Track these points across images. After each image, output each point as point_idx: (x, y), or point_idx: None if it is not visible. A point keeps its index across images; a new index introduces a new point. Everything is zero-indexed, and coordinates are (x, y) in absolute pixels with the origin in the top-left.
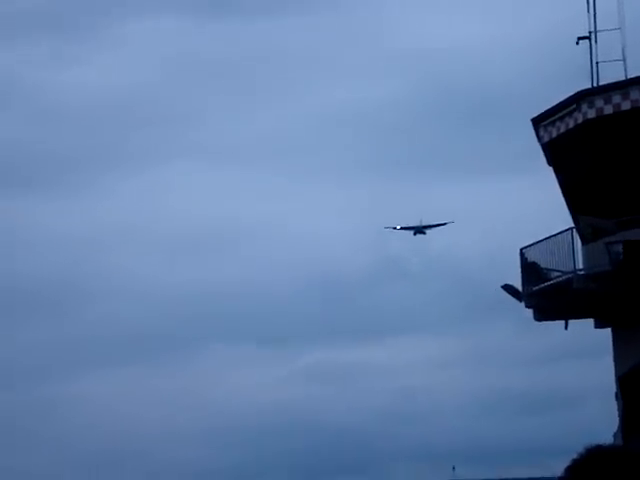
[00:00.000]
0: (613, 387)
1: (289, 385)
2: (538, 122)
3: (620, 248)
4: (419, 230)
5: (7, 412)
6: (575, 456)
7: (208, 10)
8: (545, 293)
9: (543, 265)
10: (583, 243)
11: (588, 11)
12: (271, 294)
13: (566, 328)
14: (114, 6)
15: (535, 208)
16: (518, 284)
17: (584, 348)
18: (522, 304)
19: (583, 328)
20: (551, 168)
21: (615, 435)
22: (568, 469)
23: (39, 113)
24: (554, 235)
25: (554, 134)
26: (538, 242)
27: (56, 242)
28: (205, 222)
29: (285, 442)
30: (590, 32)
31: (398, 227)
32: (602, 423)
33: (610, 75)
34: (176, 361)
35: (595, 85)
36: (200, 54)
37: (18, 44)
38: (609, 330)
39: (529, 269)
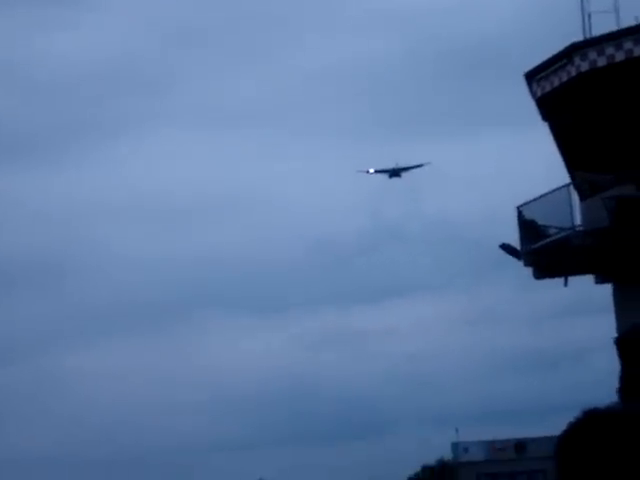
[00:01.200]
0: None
1: (291, 351)
2: (531, 77)
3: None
4: (394, 173)
5: (8, 386)
6: (572, 419)
7: None
8: (544, 251)
9: (541, 222)
10: (581, 199)
11: None
12: (268, 260)
13: (566, 285)
14: None
15: (531, 164)
16: (516, 243)
17: (585, 304)
18: (521, 262)
19: (583, 285)
20: (546, 123)
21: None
22: (565, 432)
23: (21, 82)
24: (551, 192)
25: (547, 88)
26: (535, 199)
27: (47, 215)
28: (194, 189)
29: (288, 409)
30: None
31: (372, 170)
32: (606, 379)
33: (602, 27)
34: (177, 331)
35: (587, 37)
36: (184, 17)
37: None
38: (610, 286)
39: (527, 227)
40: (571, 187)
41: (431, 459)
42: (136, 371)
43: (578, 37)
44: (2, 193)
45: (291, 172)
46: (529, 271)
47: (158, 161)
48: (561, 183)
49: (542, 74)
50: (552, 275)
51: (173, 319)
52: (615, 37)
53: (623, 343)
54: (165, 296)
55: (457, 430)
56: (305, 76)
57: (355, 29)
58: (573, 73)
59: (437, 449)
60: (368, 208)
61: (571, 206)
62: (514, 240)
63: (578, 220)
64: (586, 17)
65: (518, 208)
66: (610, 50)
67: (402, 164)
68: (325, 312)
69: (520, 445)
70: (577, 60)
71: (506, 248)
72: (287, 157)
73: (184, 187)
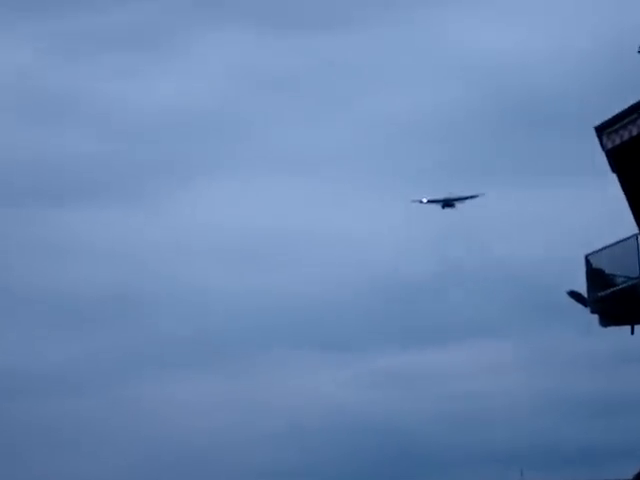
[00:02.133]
0: None
1: (353, 390)
2: (601, 130)
3: None
4: (448, 203)
5: (78, 417)
6: None
7: (273, 23)
8: (611, 299)
9: (608, 271)
10: None
11: None
12: (333, 300)
13: (632, 333)
14: (180, 19)
15: (600, 214)
16: (583, 290)
17: None
18: (588, 310)
19: None
20: (615, 175)
21: None
22: (638, 476)
23: (109, 126)
24: (619, 241)
25: (617, 142)
26: (603, 248)
27: (126, 253)
28: (267, 230)
29: (349, 447)
30: None
31: (425, 200)
32: None
33: None
34: (241, 367)
35: None
36: (265, 67)
37: (87, 59)
38: None
39: (594, 275)
40: (639, 237)
41: None
42: (204, 405)
43: None
44: (86, 231)
45: (359, 214)
46: (595, 318)
47: (234, 203)
48: (629, 233)
49: (612, 128)
50: (618, 323)
51: (241, 354)
52: None
53: None
54: (234, 332)
55: (522, 472)
56: (377, 123)
57: (429, 80)
58: None
59: None
60: (434, 249)
61: (639, 256)
62: (580, 287)
63: None
64: None
65: (586, 257)
66: None
67: (455, 195)
68: (388, 351)
69: None
70: None
71: (574, 295)
72: (356, 199)
73: (257, 228)
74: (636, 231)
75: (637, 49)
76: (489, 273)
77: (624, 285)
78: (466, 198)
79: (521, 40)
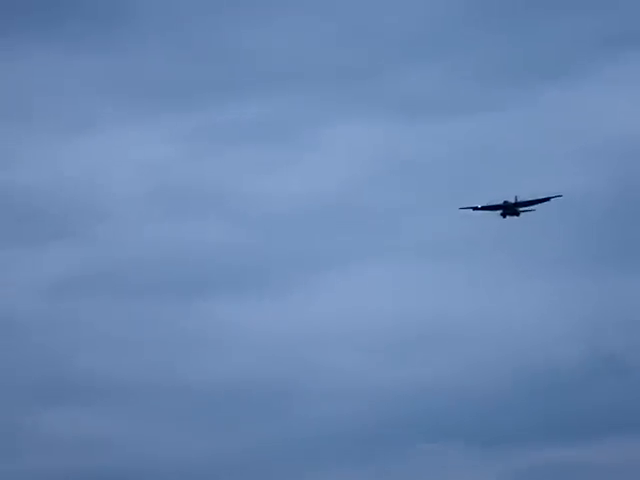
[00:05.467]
0: None
1: None
2: None
3: None
4: (509, 208)
5: None
6: None
7: (402, 112)
8: None
9: None
10: None
11: None
12: (480, 392)
13: None
14: (315, 110)
15: None
16: None
17: None
18: None
19: None
20: None
21: None
22: None
23: (248, 218)
24: None
25: None
26: None
27: (270, 343)
28: (409, 320)
29: None
30: None
31: (479, 206)
32: None
33: None
34: (386, 462)
35: None
36: (398, 155)
37: (226, 152)
38: None
39: None
40: None
41: None
42: None
43: None
44: (229, 322)
45: (504, 305)
46: None
47: (377, 293)
48: None
49: None
50: None
51: (383, 450)
52: None
53: None
54: (375, 426)
55: None
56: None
57: (569, 165)
58: None
59: None
60: (583, 335)
61: None
62: None
63: None
64: None
65: None
66: None
67: (520, 198)
68: (535, 447)
69: None
70: None
71: None
72: (500, 290)
73: (401, 318)
74: None
75: None
76: None
77: None
78: (535, 202)
79: None
